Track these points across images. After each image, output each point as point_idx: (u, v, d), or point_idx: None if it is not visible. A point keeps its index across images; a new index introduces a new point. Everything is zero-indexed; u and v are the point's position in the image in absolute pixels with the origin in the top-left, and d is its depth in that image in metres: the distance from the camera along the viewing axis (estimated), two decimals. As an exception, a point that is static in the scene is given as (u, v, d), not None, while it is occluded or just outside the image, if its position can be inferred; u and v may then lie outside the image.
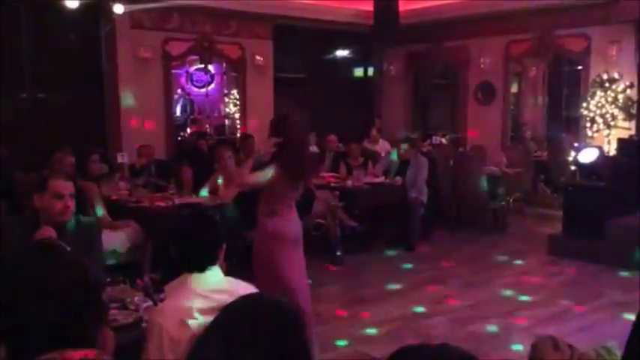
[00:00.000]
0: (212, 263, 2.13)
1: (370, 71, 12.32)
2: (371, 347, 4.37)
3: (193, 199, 5.91)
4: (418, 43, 10.90)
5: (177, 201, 5.75)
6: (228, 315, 1.94)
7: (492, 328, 4.78)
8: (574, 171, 7.66)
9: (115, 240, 5.21)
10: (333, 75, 11.83)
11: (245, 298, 2.02)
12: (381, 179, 7.49)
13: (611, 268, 6.21)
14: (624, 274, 6.11)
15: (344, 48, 12.18)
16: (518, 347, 4.34)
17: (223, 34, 9.58)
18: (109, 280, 3.02)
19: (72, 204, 2.91)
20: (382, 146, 9.62)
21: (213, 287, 2.07)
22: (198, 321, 1.96)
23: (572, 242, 6.76)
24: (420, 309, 5.21)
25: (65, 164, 5.49)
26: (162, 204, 5.68)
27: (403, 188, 7.37)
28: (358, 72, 12.60)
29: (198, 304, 2.00)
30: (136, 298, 2.74)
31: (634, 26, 8.27)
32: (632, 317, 4.77)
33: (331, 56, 12.16)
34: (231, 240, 5.53)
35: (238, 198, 6.04)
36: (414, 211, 7.32)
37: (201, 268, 2.09)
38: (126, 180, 6.60)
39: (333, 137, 8.75)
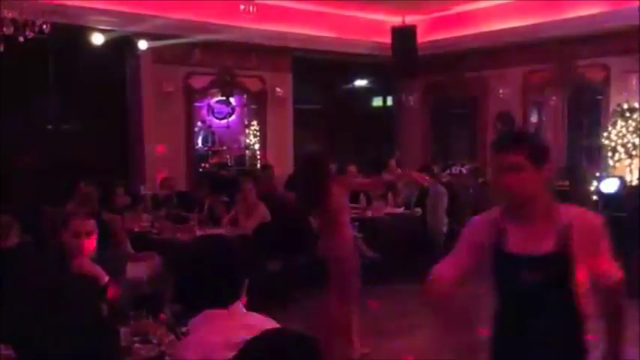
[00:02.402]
0: (235, 298, 2.14)
1: (389, 101, 12.41)
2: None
3: (215, 231, 5.97)
4: (437, 73, 10.98)
5: (198, 232, 5.81)
6: (251, 350, 1.96)
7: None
8: (596, 201, 7.60)
9: (138, 272, 5.27)
10: (352, 105, 11.94)
11: (267, 333, 2.04)
12: (401, 210, 7.50)
13: (636, 301, 6.09)
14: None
15: (362, 78, 12.31)
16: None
17: (244, 67, 9.77)
18: (132, 313, 3.06)
19: (91, 242, 2.98)
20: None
21: (235, 322, 2.09)
22: (221, 357, 1.97)
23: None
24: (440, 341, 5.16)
25: (90, 198, 5.61)
26: (184, 236, 5.75)
27: (423, 219, 7.37)
28: (377, 102, 12.71)
29: (221, 339, 2.02)
30: (159, 332, 2.78)
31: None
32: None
33: (350, 87, 12.29)
34: (251, 272, 5.58)
35: (259, 229, 6.11)
36: (434, 242, 7.30)
37: (225, 304, 2.11)
38: (148, 211, 6.70)
39: (352, 168, 8.77)
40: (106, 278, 2.95)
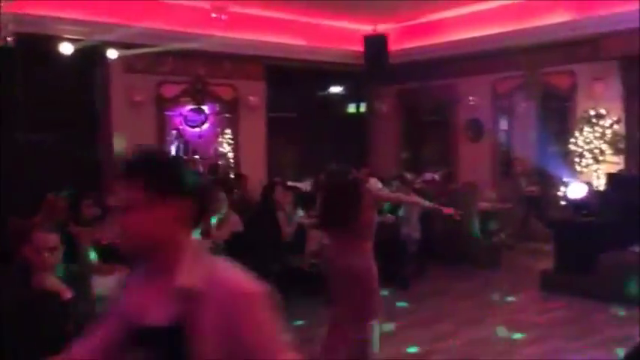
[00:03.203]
0: None
1: (362, 107, 12.48)
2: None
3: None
4: (408, 81, 11.09)
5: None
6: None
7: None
8: (564, 206, 7.73)
9: (106, 285, 5.19)
10: (325, 113, 11.97)
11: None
12: (374, 217, 7.51)
13: (604, 304, 6.21)
14: (617, 309, 6.11)
15: (336, 85, 12.36)
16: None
17: (216, 75, 9.75)
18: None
19: (54, 257, 2.93)
20: (373, 184, 9.67)
21: None
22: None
23: (564, 278, 6.78)
24: (414, 349, 5.19)
25: (58, 209, 5.52)
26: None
27: (396, 225, 7.41)
28: (351, 108, 12.76)
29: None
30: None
31: (618, 63, 8.45)
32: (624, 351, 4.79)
33: (323, 94, 12.33)
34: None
35: (231, 239, 6.08)
36: (408, 249, 7.34)
37: None
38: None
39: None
40: (69, 295, 2.90)
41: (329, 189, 4.55)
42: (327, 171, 4.85)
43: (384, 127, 11.94)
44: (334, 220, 4.32)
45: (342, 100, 12.72)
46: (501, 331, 5.65)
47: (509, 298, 6.77)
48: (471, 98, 10.31)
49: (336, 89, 12.45)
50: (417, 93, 11.15)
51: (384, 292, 6.97)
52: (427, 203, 5.42)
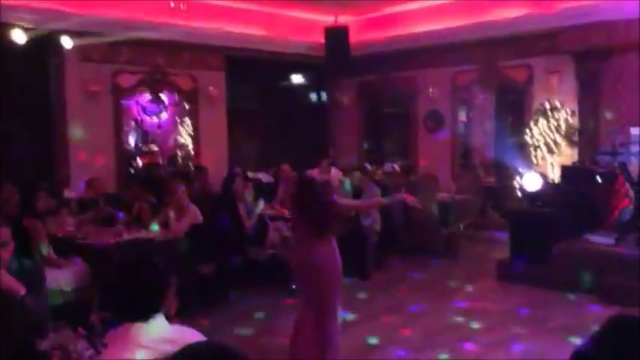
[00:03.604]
0: (156, 311, 2.10)
1: (324, 97, 12.47)
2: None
3: (144, 234, 5.83)
4: (369, 73, 11.13)
5: (126, 236, 5.66)
6: (173, 366, 1.92)
7: (444, 357, 4.83)
8: (519, 197, 7.89)
9: (61, 279, 5.09)
10: (286, 104, 11.91)
11: (190, 347, 2.01)
12: (335, 209, 7.53)
13: (557, 292, 6.38)
14: (570, 297, 6.29)
15: (297, 74, 12.31)
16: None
17: (175, 65, 9.59)
18: (51, 325, 2.94)
19: (5, 252, 2.85)
20: (334, 175, 9.71)
21: (156, 337, 2.04)
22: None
23: (519, 267, 6.93)
24: (374, 340, 5.24)
25: (10, 202, 5.36)
26: (111, 240, 5.58)
27: (357, 217, 7.44)
28: (312, 99, 12.74)
29: (140, 355, 1.97)
30: (79, 346, 2.68)
31: (574, 57, 8.65)
32: (578, 340, 4.94)
33: (284, 84, 12.27)
34: (184, 275, 5.48)
35: (191, 231, 6.01)
36: (368, 240, 7.39)
37: (144, 317, 2.07)
38: (74, 215, 6.47)
39: (286, 167, 8.80)
40: (22, 291, 2.82)
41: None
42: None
43: (345, 119, 11.98)
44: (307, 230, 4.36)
45: (303, 90, 12.68)
46: (458, 320, 5.75)
47: (467, 287, 6.89)
48: (430, 90, 10.41)
49: (297, 80, 12.40)
50: (378, 85, 11.20)
51: (346, 283, 7.05)
52: (386, 200, 5.48)
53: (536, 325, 5.51)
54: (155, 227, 6.01)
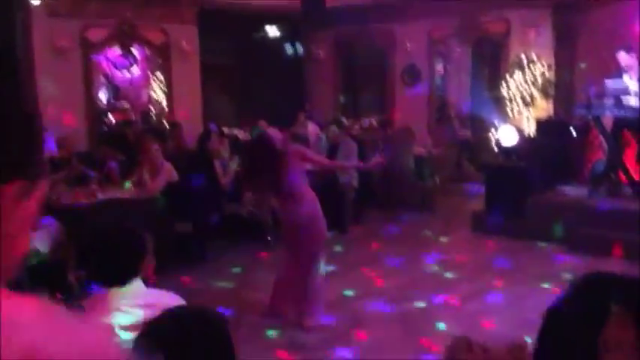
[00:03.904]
0: (133, 276, 2.09)
1: (299, 49, 12.27)
2: (302, 333, 4.43)
3: (118, 194, 5.75)
4: (345, 25, 10.95)
5: (100, 196, 5.58)
6: (152, 330, 1.91)
7: (420, 306, 4.92)
8: (495, 151, 7.95)
9: (36, 240, 5.02)
10: (261, 57, 11.69)
11: (168, 312, 2.00)
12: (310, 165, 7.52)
13: (531, 243, 6.51)
14: (543, 247, 6.43)
15: (271, 25, 12.06)
16: (442, 326, 4.49)
17: (146, 19, 9.31)
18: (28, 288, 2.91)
19: None
20: (312, 130, 9.67)
21: (134, 301, 2.03)
22: (120, 339, 1.92)
23: (494, 219, 7.04)
24: (351, 292, 5.30)
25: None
26: (85, 200, 5.50)
27: (334, 172, 7.44)
28: (288, 50, 12.53)
29: (119, 320, 1.96)
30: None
31: (551, 10, 8.60)
32: (550, 289, 5.07)
33: (259, 36, 12.02)
34: (160, 233, 5.45)
35: (166, 190, 5.95)
36: (346, 195, 7.41)
37: (122, 283, 2.05)
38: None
39: (262, 123, 8.70)
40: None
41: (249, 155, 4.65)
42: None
43: (322, 72, 11.83)
44: (256, 187, 4.50)
45: (279, 43, 12.45)
46: (434, 271, 5.86)
47: (443, 239, 6.99)
48: (407, 44, 10.30)
49: (272, 32, 12.15)
50: (354, 38, 11.04)
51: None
52: (350, 164, 5.50)
53: (510, 275, 5.63)
54: (127, 184, 5.92)
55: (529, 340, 2.58)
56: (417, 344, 4.21)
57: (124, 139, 8.41)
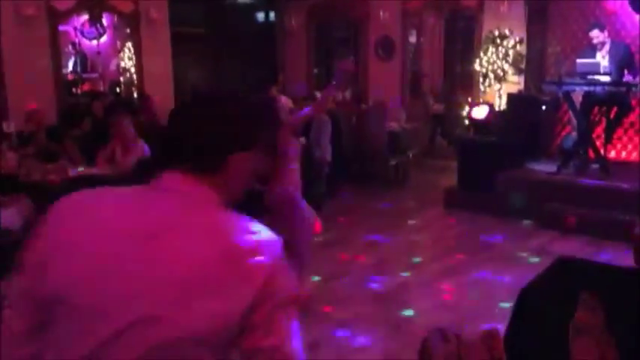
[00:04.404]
0: None
1: (272, 17, 12.10)
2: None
3: (89, 171, 5.66)
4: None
5: (71, 173, 5.49)
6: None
7: (391, 285, 5.00)
8: (467, 126, 8.02)
9: (6, 218, 4.93)
10: (234, 26, 11.50)
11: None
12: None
13: (503, 219, 6.63)
14: (513, 223, 6.56)
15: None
16: (409, 312, 4.51)
17: (114, -14, 9.04)
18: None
19: None
20: (284, 102, 9.58)
21: None
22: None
23: (466, 195, 7.14)
24: (316, 278, 5.30)
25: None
26: (55, 176, 5.40)
27: (307, 148, 7.42)
28: (260, 17, 12.35)
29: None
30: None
31: (523, -17, 8.60)
32: (521, 264, 5.19)
33: (231, 3, 11.80)
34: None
35: (138, 166, 5.87)
36: (319, 171, 7.42)
37: None
38: (14, 150, 6.20)
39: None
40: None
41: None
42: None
43: (295, 43, 11.69)
44: None
45: (251, 10, 12.25)
46: (406, 247, 5.94)
47: (415, 215, 7.08)
48: (381, 14, 10.22)
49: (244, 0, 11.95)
50: (328, 8, 10.91)
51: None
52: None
53: (481, 252, 5.74)
54: (80, 169, 5.76)
55: (500, 326, 2.67)
56: (392, 322, 4.28)
57: (92, 113, 8.18)
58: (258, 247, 1.18)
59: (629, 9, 7.54)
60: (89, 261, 1.16)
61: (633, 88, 6.39)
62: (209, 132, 1.26)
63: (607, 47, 6.70)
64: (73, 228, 1.21)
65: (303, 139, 7.41)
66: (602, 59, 6.67)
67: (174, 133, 1.31)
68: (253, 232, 1.20)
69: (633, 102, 6.67)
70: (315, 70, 11.83)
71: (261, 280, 1.15)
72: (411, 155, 8.90)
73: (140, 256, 1.15)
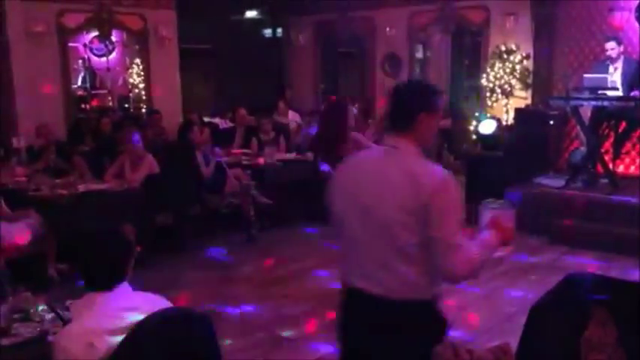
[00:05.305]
0: (120, 280, 2.08)
1: (279, 33, 12.19)
2: (291, 328, 4.44)
3: (98, 186, 5.69)
4: (325, 12, 10.90)
5: (80, 188, 5.52)
6: (138, 334, 1.92)
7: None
8: (475, 140, 8.01)
9: (16, 232, 4.96)
10: (241, 42, 11.58)
11: (154, 315, 2.01)
12: (293, 155, 7.53)
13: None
14: (522, 238, 6.49)
15: (251, 10, 11.96)
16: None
17: (123, 4, 9.14)
18: (9, 289, 2.89)
19: None
20: (292, 118, 9.64)
21: (121, 305, 2.03)
22: (107, 343, 1.92)
23: (474, 210, 7.09)
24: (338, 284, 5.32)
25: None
26: (65, 191, 5.43)
27: (315, 162, 7.43)
28: (267, 33, 12.44)
29: (106, 324, 1.96)
30: (40, 309, 2.64)
31: (530, -1, 8.64)
32: (531, 279, 5.14)
33: (238, 21, 11.91)
34: (141, 225, 5.42)
35: (146, 182, 5.91)
36: (327, 186, 7.42)
37: (108, 287, 2.05)
38: (23, 165, 6.25)
39: (243, 111, 8.65)
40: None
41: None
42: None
43: (302, 59, 11.77)
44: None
45: (258, 29, 12.36)
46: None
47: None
48: (387, 30, 10.27)
49: (251, 16, 12.05)
50: (335, 24, 10.99)
51: (309, 230, 7.09)
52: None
53: (490, 266, 5.68)
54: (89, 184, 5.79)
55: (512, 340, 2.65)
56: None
57: (100, 129, 8.22)
58: (430, 172, 2.05)
59: (636, 24, 7.55)
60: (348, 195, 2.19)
61: (642, 103, 6.38)
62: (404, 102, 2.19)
63: (620, 62, 6.70)
64: (340, 178, 2.29)
65: (310, 154, 7.43)
66: (614, 72, 6.67)
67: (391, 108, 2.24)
68: (427, 165, 2.09)
69: (641, 117, 6.64)
70: (322, 85, 11.89)
71: (430, 192, 1.99)
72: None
73: (372, 184, 2.12)
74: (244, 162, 7.26)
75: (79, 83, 10.59)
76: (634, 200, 6.08)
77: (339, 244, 2.24)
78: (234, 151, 7.76)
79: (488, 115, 8.62)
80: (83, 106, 10.38)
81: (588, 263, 5.53)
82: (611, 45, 6.70)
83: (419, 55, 10.74)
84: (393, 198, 2.03)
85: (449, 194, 2.04)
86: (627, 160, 7.47)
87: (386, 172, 2.10)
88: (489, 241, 2.21)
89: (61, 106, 8.65)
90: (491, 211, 2.62)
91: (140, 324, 1.96)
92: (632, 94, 6.49)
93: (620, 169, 7.30)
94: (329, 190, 2.25)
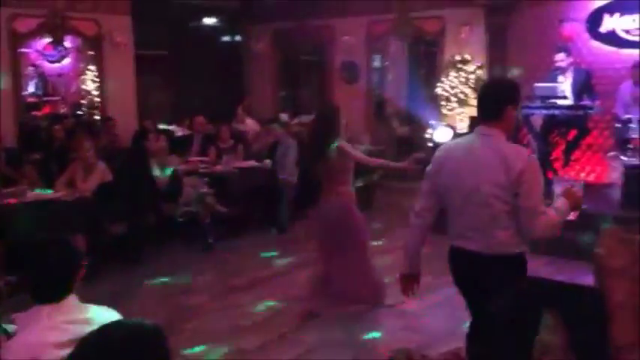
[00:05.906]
0: (67, 292, 2.01)
1: (238, 39, 12.12)
2: (244, 339, 4.39)
3: (48, 195, 5.53)
4: (284, 20, 10.90)
5: (30, 197, 5.35)
6: (85, 347, 1.85)
7: (357, 307, 4.95)
8: (431, 148, 8.11)
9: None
10: (198, 49, 11.47)
11: (104, 327, 1.94)
12: (252, 163, 7.48)
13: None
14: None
15: (209, 17, 11.86)
16: (375, 334, 4.51)
17: (77, 9, 8.96)
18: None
19: None
20: (251, 126, 9.59)
21: (69, 318, 1.96)
22: (53, 356, 1.85)
23: (431, 217, 7.17)
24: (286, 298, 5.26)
25: None
26: (14, 200, 5.26)
27: (273, 171, 7.41)
28: (225, 40, 12.36)
29: (53, 337, 1.89)
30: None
31: (484, 10, 8.82)
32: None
33: (196, 27, 11.79)
34: (93, 235, 5.29)
35: (99, 190, 5.77)
36: (285, 194, 7.40)
37: (55, 299, 1.98)
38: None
39: (201, 119, 8.54)
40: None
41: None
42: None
43: (261, 66, 11.74)
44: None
45: (217, 36, 12.26)
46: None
47: (381, 238, 7.08)
48: (346, 38, 10.33)
49: (209, 23, 11.95)
50: (293, 32, 11.00)
51: (263, 238, 7.04)
52: (392, 164, 5.50)
53: (447, 272, 5.69)
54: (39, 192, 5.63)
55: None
56: (357, 344, 4.25)
57: (51, 137, 8.00)
58: (518, 154, 2.69)
59: (585, 35, 7.79)
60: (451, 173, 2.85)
61: (590, 111, 6.58)
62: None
63: (570, 72, 6.89)
64: (444, 156, 2.93)
65: (268, 162, 7.41)
66: (564, 81, 6.85)
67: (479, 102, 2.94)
68: (516, 148, 2.76)
69: (590, 124, 6.85)
70: (282, 93, 11.88)
71: (519, 169, 2.62)
72: (376, 178, 8.93)
73: (471, 164, 2.77)
74: (202, 170, 7.17)
75: (32, 90, 10.30)
76: (584, 206, 6.22)
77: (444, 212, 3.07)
78: (191, 159, 7.66)
79: (444, 123, 8.76)
80: (35, 112, 10.09)
81: (539, 268, 5.64)
82: (560, 57, 6.89)
83: (376, 63, 10.85)
84: (489, 176, 2.66)
85: (534, 172, 2.66)
86: (577, 167, 7.69)
87: (482, 154, 2.73)
88: (564, 207, 2.75)
89: (11, 113, 8.40)
90: (563, 183, 3.39)
91: (87, 337, 1.89)
92: (581, 102, 6.69)
93: (571, 175, 7.49)
94: (432, 169, 2.91)
